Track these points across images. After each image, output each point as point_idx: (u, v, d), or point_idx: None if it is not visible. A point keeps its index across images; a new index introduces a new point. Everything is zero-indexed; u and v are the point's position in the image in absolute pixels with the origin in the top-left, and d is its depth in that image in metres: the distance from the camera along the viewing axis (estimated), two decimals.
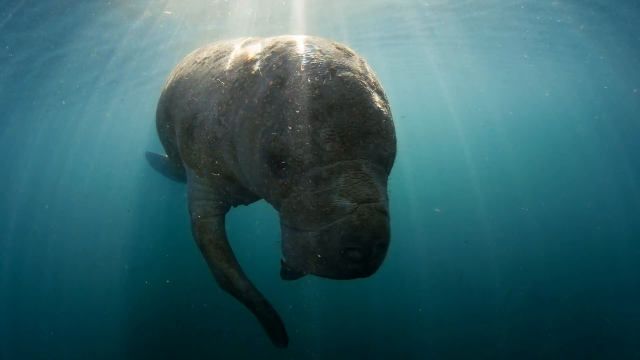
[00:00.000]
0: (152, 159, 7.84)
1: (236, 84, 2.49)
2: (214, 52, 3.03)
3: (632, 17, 10.32)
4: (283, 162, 2.04)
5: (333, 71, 2.11)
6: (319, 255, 1.92)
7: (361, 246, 1.85)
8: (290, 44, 2.37)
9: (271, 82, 2.21)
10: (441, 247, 17.97)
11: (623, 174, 33.07)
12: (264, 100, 2.19)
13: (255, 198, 3.29)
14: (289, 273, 3.99)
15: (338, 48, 2.33)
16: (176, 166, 4.49)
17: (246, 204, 3.40)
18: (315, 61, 2.17)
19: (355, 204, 1.88)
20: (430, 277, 14.77)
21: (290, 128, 2.02)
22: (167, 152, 4.21)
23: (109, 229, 20.79)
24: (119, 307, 12.72)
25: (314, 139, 1.97)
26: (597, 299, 11.98)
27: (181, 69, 3.42)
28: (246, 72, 2.46)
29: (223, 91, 2.58)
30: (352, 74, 2.14)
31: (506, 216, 22.04)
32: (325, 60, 2.17)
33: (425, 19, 10.83)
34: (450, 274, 14.64)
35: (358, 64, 2.27)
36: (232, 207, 3.34)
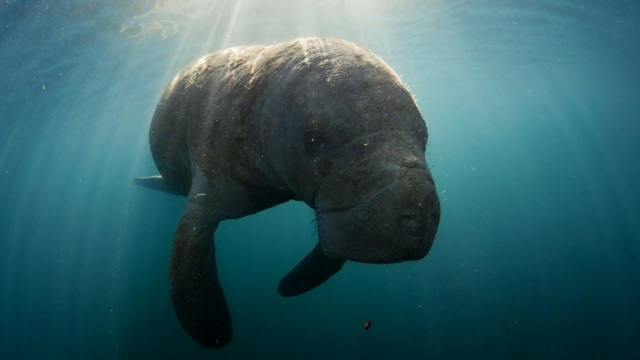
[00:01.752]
0: (141, 183, 7.96)
1: (259, 82, 2.51)
2: (229, 61, 3.05)
3: None
4: (321, 137, 1.94)
5: (359, 57, 2.17)
6: (371, 230, 1.71)
7: (417, 213, 1.66)
8: (310, 40, 2.47)
9: (299, 69, 2.23)
10: (441, 255, 17.89)
11: (628, 178, 33.24)
12: (293, 84, 2.19)
13: (265, 206, 3.20)
14: (290, 289, 3.90)
15: (354, 43, 2.43)
16: (171, 180, 4.43)
17: (254, 212, 3.29)
18: (340, 50, 2.24)
19: (404, 168, 1.74)
20: (431, 285, 14.69)
21: (325, 101, 1.97)
22: (165, 164, 4.10)
23: (105, 243, 20.64)
24: (116, 323, 12.54)
25: (352, 108, 1.92)
26: (600, 303, 11.94)
27: (186, 76, 3.42)
28: (269, 70, 2.49)
29: (245, 93, 2.60)
30: (376, 60, 2.20)
31: (506, 221, 22.04)
32: (348, 50, 2.25)
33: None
34: (451, 282, 14.55)
35: (375, 55, 2.34)
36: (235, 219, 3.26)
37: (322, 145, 1.95)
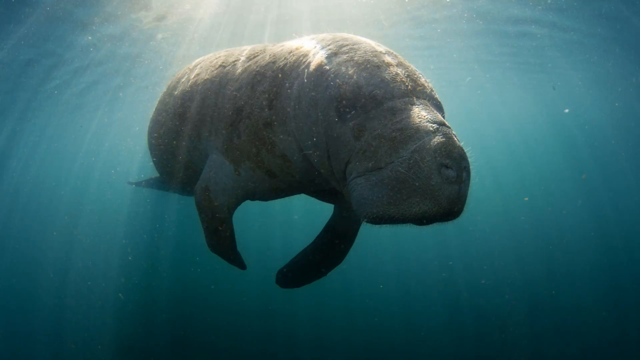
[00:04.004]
0: (136, 184, 8.11)
1: (285, 68, 2.68)
2: (243, 55, 3.22)
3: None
4: (353, 104, 2.09)
5: (377, 45, 2.42)
6: (413, 182, 1.77)
7: (454, 162, 1.76)
8: (329, 34, 2.70)
9: (325, 53, 2.43)
10: (438, 259, 17.91)
11: (628, 182, 33.34)
12: (322, 64, 2.37)
13: (280, 197, 3.35)
14: (289, 281, 3.81)
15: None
16: (171, 177, 4.40)
17: (266, 200, 3.52)
18: (359, 39, 2.48)
19: (436, 124, 1.87)
20: (428, 290, 14.67)
21: (355, 73, 2.16)
22: (168, 160, 4.10)
23: (102, 243, 20.56)
24: (111, 324, 12.46)
25: (381, 79, 2.10)
26: (598, 310, 11.95)
27: (198, 73, 3.54)
28: (294, 57, 2.67)
29: (270, 79, 2.74)
30: (393, 51, 2.41)
31: (506, 227, 22.07)
32: (366, 40, 2.49)
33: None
34: (447, 292, 14.52)
35: None
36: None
37: (353, 112, 2.08)
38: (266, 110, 2.71)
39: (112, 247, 18.53)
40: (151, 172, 6.84)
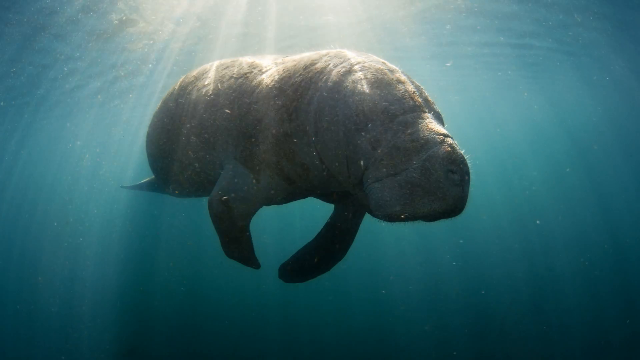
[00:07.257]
0: (129, 188, 8.23)
1: (302, 84, 2.90)
2: (255, 68, 3.39)
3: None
4: (370, 118, 2.37)
5: (384, 63, 2.71)
6: (425, 185, 2.09)
7: (458, 168, 2.09)
8: (340, 51, 2.95)
9: (340, 70, 2.69)
10: (436, 259, 17.90)
11: (625, 181, 33.31)
12: (339, 82, 2.63)
13: (292, 200, 3.47)
14: (294, 276, 3.86)
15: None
16: (169, 181, 4.45)
17: (280, 204, 3.66)
18: (369, 57, 2.75)
19: (441, 136, 2.19)
20: (426, 294, 14.67)
21: (371, 91, 2.46)
22: (171, 166, 4.16)
23: (103, 246, 20.56)
24: (114, 327, 12.48)
25: (393, 96, 2.41)
26: (595, 308, 11.97)
27: (207, 84, 3.63)
28: (310, 73, 2.91)
29: (287, 94, 2.96)
30: (400, 69, 2.69)
31: (505, 227, 22.07)
32: (375, 58, 2.76)
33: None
34: (445, 292, 14.51)
35: None
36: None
37: (370, 125, 2.36)
38: (286, 123, 2.92)
39: (113, 250, 18.54)
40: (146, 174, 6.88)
